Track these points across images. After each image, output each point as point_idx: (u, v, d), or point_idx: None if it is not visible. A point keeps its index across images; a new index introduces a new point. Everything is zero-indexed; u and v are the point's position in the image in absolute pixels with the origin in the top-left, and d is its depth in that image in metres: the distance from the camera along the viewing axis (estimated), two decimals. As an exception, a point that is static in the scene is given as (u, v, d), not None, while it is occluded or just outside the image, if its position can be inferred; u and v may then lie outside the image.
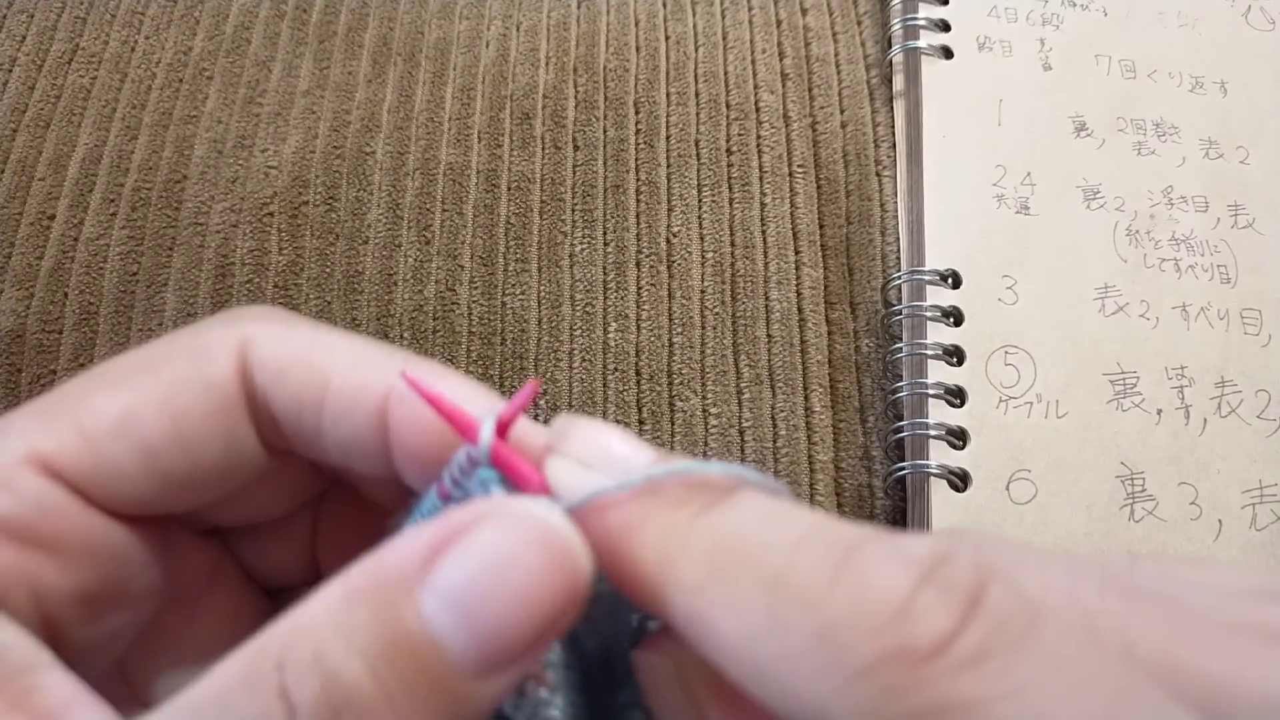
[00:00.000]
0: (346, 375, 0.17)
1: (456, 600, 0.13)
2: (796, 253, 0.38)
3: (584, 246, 0.38)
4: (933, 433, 0.34)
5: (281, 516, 0.20)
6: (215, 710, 0.13)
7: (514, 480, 0.15)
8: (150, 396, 0.17)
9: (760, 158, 0.39)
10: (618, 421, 0.35)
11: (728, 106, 0.40)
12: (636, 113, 0.40)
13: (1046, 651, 0.12)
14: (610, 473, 0.15)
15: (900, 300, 0.37)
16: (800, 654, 0.12)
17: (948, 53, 0.40)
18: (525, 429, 0.17)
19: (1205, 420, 0.35)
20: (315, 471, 0.20)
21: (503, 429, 0.16)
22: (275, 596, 0.21)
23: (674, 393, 0.35)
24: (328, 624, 0.13)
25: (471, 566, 0.13)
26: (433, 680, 0.13)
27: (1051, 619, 0.12)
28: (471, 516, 0.14)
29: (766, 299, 0.37)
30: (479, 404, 0.17)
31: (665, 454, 0.16)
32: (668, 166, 0.39)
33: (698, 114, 0.40)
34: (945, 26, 0.40)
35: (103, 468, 0.17)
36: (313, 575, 0.21)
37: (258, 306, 0.20)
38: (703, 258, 0.38)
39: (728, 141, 0.40)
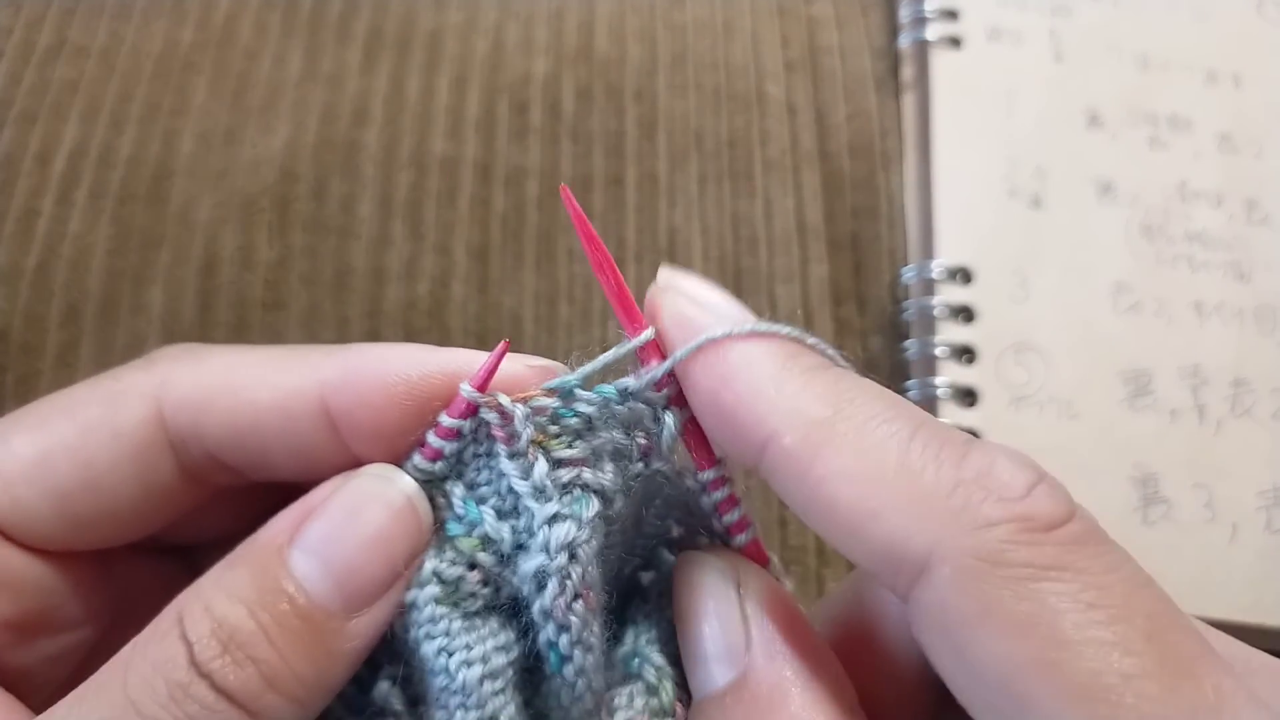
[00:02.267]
0: (274, 386, 0.18)
1: (317, 552, 0.16)
2: (802, 248, 0.37)
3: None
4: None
5: (235, 533, 0.21)
6: (133, 655, 0.15)
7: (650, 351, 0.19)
8: (63, 442, 0.18)
9: (764, 150, 0.38)
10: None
11: (730, 97, 0.39)
12: (636, 104, 0.39)
13: (1120, 556, 0.15)
14: (716, 317, 0.17)
15: (909, 297, 0.36)
16: (926, 501, 0.15)
17: (956, 43, 0.39)
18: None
19: (1220, 421, 0.34)
20: (257, 495, 0.21)
21: (486, 384, 0.18)
22: None
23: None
24: (214, 583, 0.16)
25: (327, 525, 0.16)
26: (303, 618, 0.16)
27: (1115, 543, 0.15)
28: (330, 486, 0.17)
29: (771, 295, 0.36)
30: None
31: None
32: (668, 159, 0.38)
33: (699, 105, 0.39)
34: (954, 16, 0.40)
35: (17, 509, 0.18)
36: None
37: (172, 346, 0.20)
38: (705, 253, 0.37)
39: (730, 133, 0.39)
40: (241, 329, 0.35)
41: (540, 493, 0.18)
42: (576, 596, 0.17)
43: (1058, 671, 0.13)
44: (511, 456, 0.18)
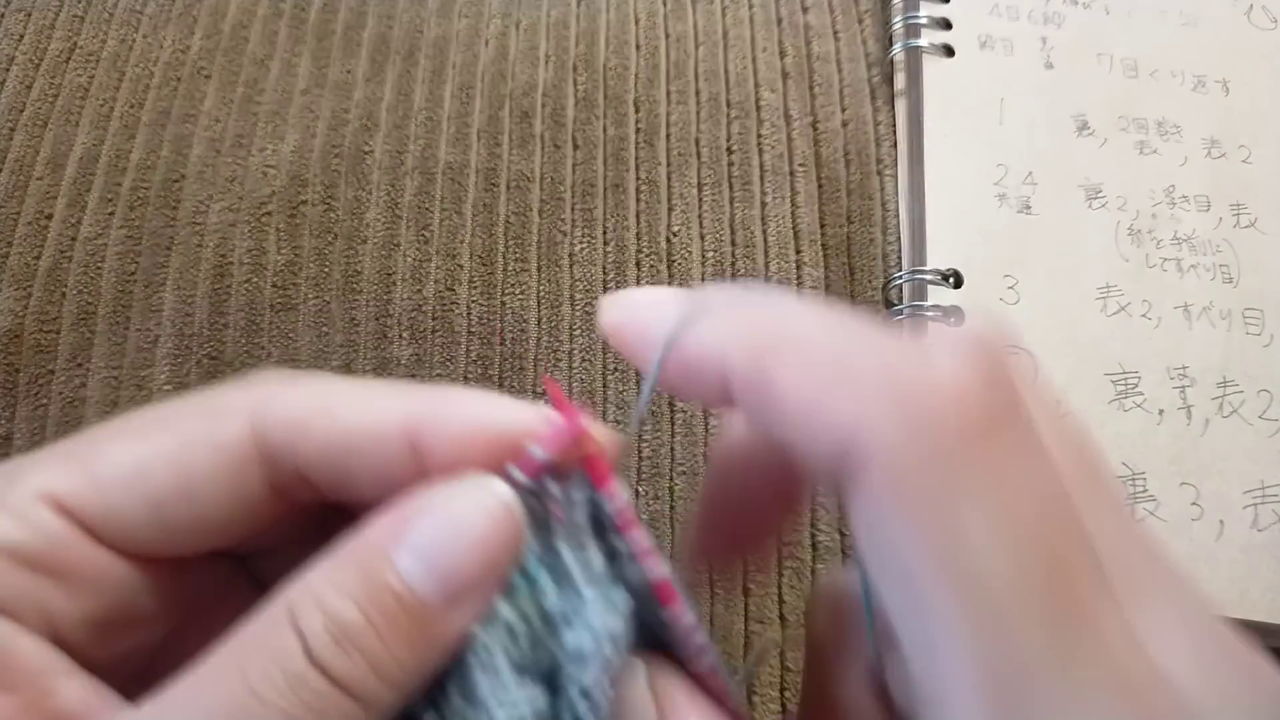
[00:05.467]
0: (367, 412, 0.19)
1: (421, 553, 0.17)
2: (797, 252, 0.38)
3: (584, 246, 0.37)
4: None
5: (293, 544, 0.22)
6: (244, 644, 0.16)
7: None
8: (161, 451, 0.19)
9: (761, 156, 0.39)
10: (616, 424, 0.35)
11: (728, 105, 0.40)
12: (636, 111, 0.40)
13: (1046, 465, 0.15)
14: (660, 315, 0.18)
15: (901, 300, 0.37)
16: (862, 395, 0.15)
17: (949, 51, 0.40)
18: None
19: (1207, 421, 0.35)
20: (319, 506, 0.22)
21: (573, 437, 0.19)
22: None
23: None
24: (324, 580, 0.17)
25: (431, 527, 0.17)
26: (409, 613, 0.17)
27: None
28: (433, 493, 0.18)
29: (767, 299, 0.37)
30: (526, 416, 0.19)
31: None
32: (668, 165, 0.39)
33: (698, 112, 0.40)
34: (946, 24, 0.40)
35: (111, 513, 0.18)
36: None
37: (269, 371, 0.22)
38: (703, 257, 0.37)
39: (728, 140, 0.39)
40: (252, 330, 0.35)
41: (592, 578, 0.19)
42: (612, 683, 0.18)
43: (954, 594, 0.14)
44: (570, 538, 0.19)
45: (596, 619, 0.18)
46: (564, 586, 0.19)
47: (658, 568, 0.19)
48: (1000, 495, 0.14)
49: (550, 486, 0.19)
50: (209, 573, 0.22)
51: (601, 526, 0.19)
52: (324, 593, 0.17)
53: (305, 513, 0.22)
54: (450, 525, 0.17)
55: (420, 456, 0.19)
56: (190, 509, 0.19)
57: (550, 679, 0.19)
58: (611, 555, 0.19)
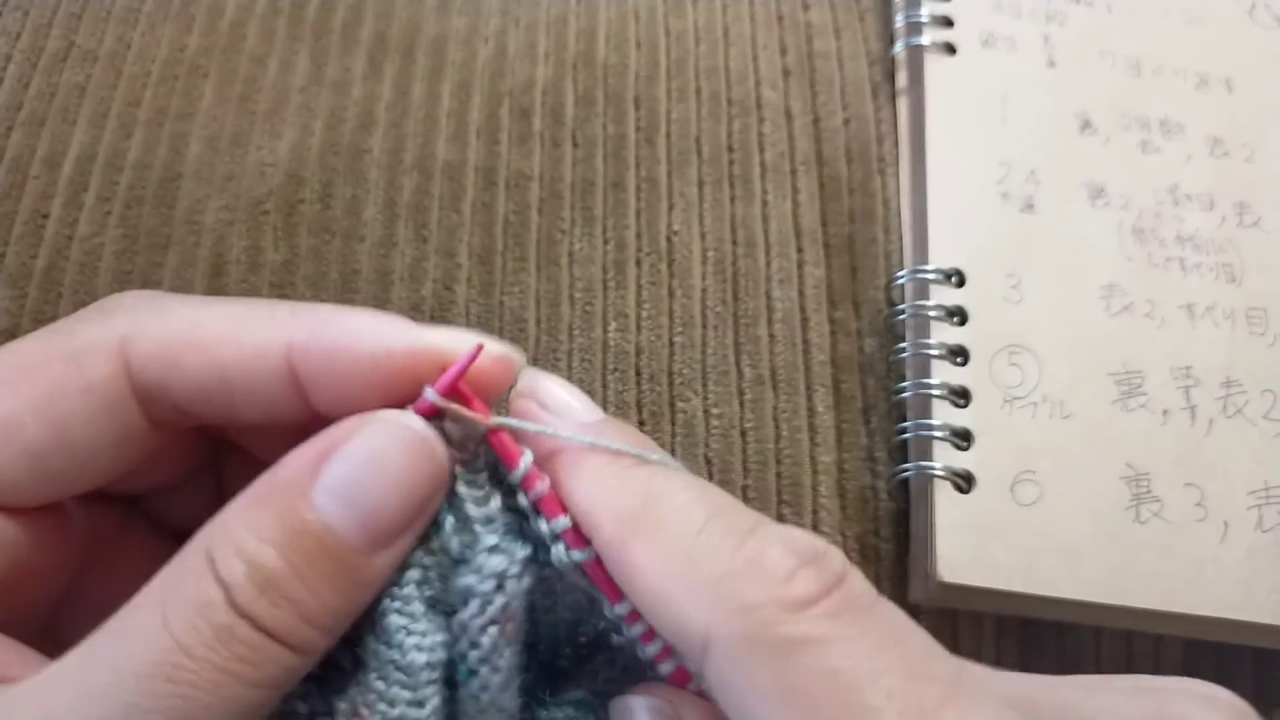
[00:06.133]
0: (240, 345, 0.19)
1: (341, 492, 0.17)
2: (799, 251, 0.38)
3: (583, 245, 0.37)
4: (937, 434, 0.33)
5: (183, 480, 0.22)
6: (165, 594, 0.16)
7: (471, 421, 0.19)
8: (30, 403, 0.18)
9: (762, 155, 0.39)
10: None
11: (729, 103, 0.40)
12: (636, 109, 0.39)
13: (880, 619, 0.17)
14: (565, 420, 0.20)
15: (904, 299, 0.36)
16: (703, 588, 0.17)
17: (951, 49, 0.40)
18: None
19: (1211, 421, 0.35)
20: (207, 437, 0.22)
21: (453, 388, 0.19)
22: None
23: (675, 393, 0.35)
24: (241, 524, 0.17)
25: (350, 465, 0.17)
26: (331, 557, 0.16)
27: (887, 605, 0.17)
28: (348, 428, 0.17)
29: (769, 298, 0.37)
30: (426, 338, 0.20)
31: (624, 426, 0.20)
32: (668, 163, 0.39)
33: (699, 110, 0.40)
34: (948, 22, 0.40)
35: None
36: None
37: (129, 294, 0.21)
38: (704, 256, 0.37)
39: (729, 138, 0.39)
40: (248, 330, 0.35)
41: (489, 522, 0.19)
42: (493, 622, 0.18)
43: None
44: (469, 481, 0.19)
45: (481, 556, 0.19)
46: (463, 527, 0.19)
47: (560, 516, 0.19)
48: (836, 648, 0.16)
49: (449, 429, 0.19)
50: (102, 518, 0.21)
51: (499, 473, 0.20)
52: (243, 538, 0.16)
53: (191, 444, 0.22)
54: (369, 462, 0.17)
55: (303, 386, 0.19)
56: (69, 456, 0.19)
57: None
58: (515, 511, 0.20)
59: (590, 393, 0.35)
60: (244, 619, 0.16)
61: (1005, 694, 0.17)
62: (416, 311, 0.36)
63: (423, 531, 0.19)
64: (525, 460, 0.19)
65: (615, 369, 0.35)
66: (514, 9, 0.41)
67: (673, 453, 0.34)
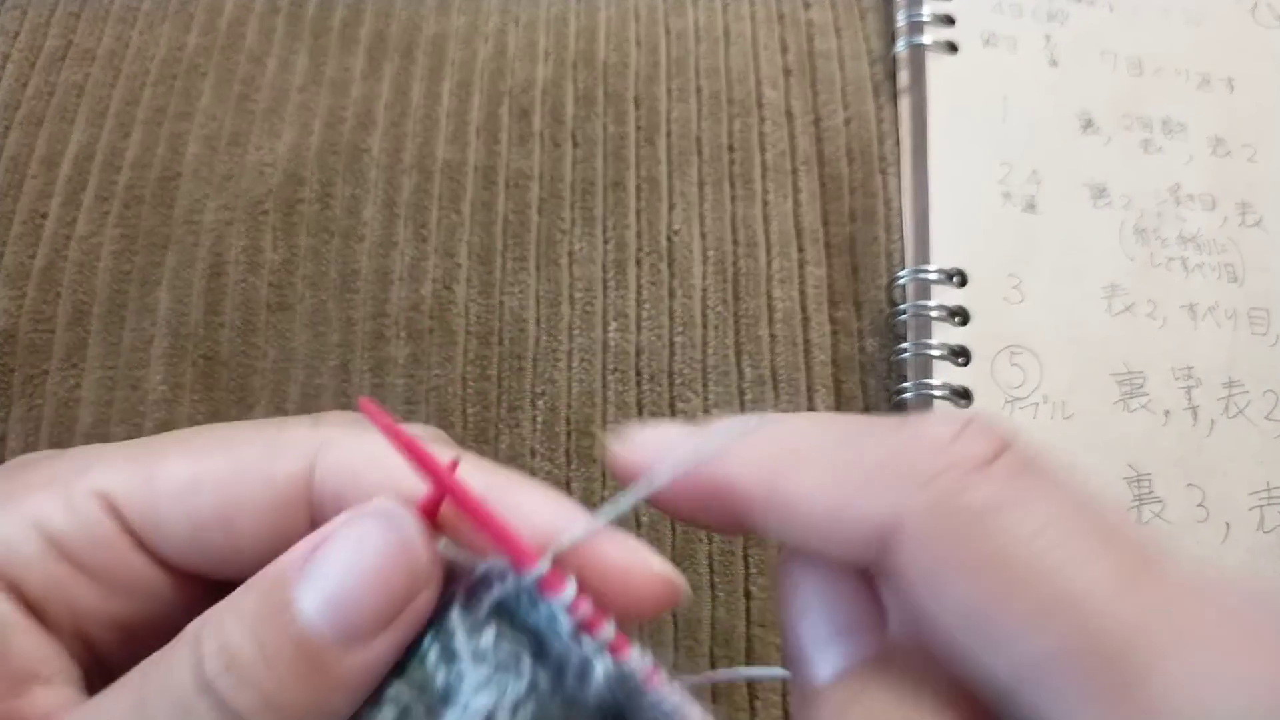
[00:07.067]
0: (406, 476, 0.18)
1: (320, 584, 0.16)
2: (800, 251, 0.37)
3: (583, 244, 0.37)
4: (937, 434, 0.33)
5: None
6: (150, 665, 0.17)
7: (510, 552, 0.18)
8: (215, 474, 0.19)
9: (763, 154, 0.39)
10: (617, 424, 0.34)
11: (729, 102, 0.40)
12: (637, 108, 0.39)
13: (1059, 481, 0.16)
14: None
15: (905, 299, 0.36)
16: (873, 478, 0.16)
17: (953, 48, 0.40)
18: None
19: (1213, 421, 0.35)
20: None
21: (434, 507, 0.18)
22: None
23: (675, 393, 0.35)
24: (229, 604, 0.17)
25: (332, 556, 0.17)
26: (298, 645, 0.16)
27: (1057, 468, 0.16)
28: (340, 520, 0.17)
29: (769, 298, 0.37)
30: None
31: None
32: (669, 163, 0.39)
33: (699, 110, 0.39)
34: (950, 21, 0.40)
35: (158, 525, 0.19)
36: None
37: (342, 412, 0.21)
38: (704, 256, 0.37)
39: (730, 138, 0.39)
40: (248, 330, 0.35)
41: (479, 656, 0.18)
42: None
43: (1019, 599, 0.15)
44: (465, 609, 0.18)
45: (470, 697, 0.17)
46: (449, 658, 0.18)
47: (636, 658, 0.17)
48: (1027, 508, 0.15)
49: (466, 558, 0.18)
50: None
51: (505, 608, 0.18)
52: (224, 618, 0.17)
53: None
54: (348, 553, 0.17)
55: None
56: (229, 537, 0.19)
57: None
58: (518, 634, 0.18)
59: (590, 393, 0.35)
60: (206, 695, 0.16)
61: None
62: (416, 311, 0.36)
63: (401, 653, 0.18)
64: (571, 587, 0.17)
65: (615, 369, 0.35)
66: (514, 8, 0.41)
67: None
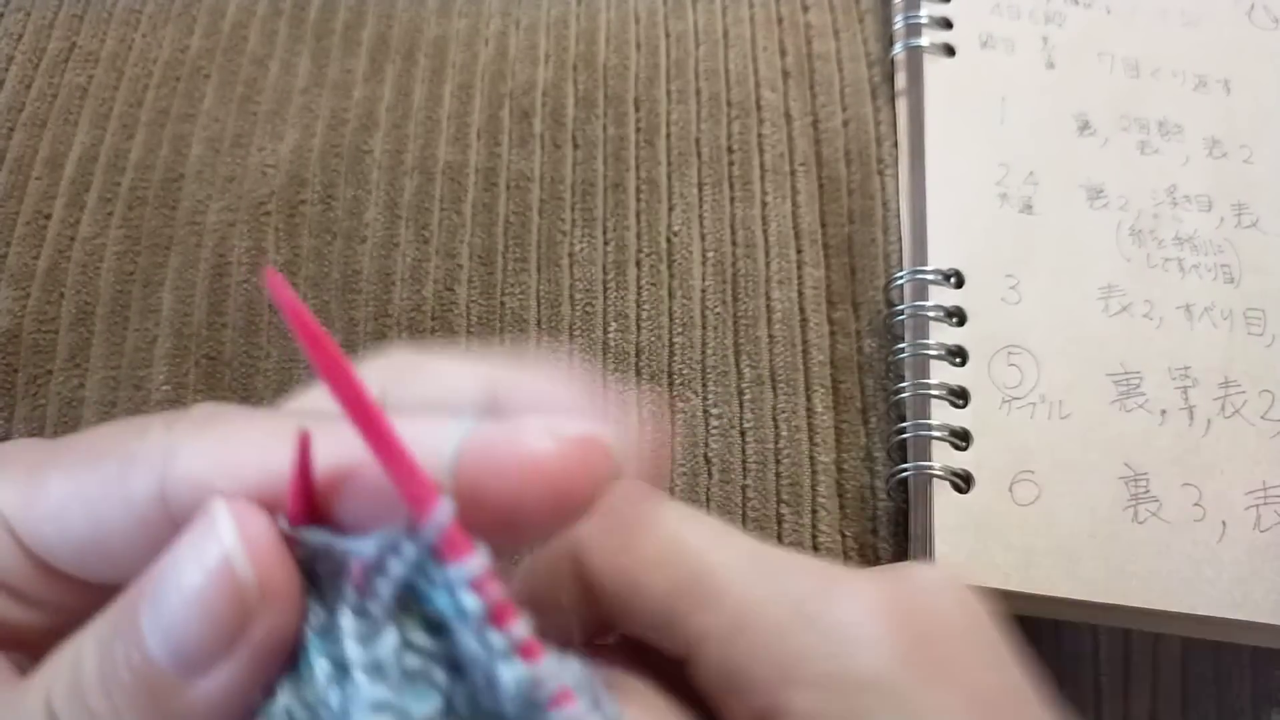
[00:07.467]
0: (261, 471, 0.17)
1: (158, 610, 0.16)
2: (798, 252, 0.38)
3: (584, 245, 0.37)
4: (935, 434, 0.34)
5: None
6: (16, 687, 0.17)
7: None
8: (80, 496, 0.18)
9: (762, 156, 0.39)
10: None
11: (729, 104, 0.40)
12: (637, 110, 0.40)
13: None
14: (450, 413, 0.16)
15: (903, 300, 0.36)
16: (763, 653, 0.17)
17: (950, 50, 0.40)
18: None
19: (1209, 421, 0.35)
20: None
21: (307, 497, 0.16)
22: None
23: (674, 393, 0.35)
24: (89, 632, 0.16)
25: (165, 579, 0.16)
26: (134, 673, 0.15)
27: None
28: (184, 536, 0.16)
29: (768, 299, 0.37)
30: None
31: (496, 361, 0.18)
32: (668, 164, 0.39)
33: (699, 112, 0.40)
34: (947, 24, 0.40)
35: (44, 544, 0.18)
36: None
37: (205, 406, 0.19)
38: (703, 257, 0.37)
39: (729, 140, 0.39)
40: (251, 330, 0.35)
41: (377, 669, 0.14)
42: None
43: None
44: (358, 612, 0.15)
45: (360, 711, 0.14)
46: (341, 674, 0.15)
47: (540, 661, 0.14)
48: (932, 689, 0.16)
49: (344, 543, 0.15)
50: None
51: (411, 598, 0.15)
52: (83, 639, 0.16)
53: None
54: (175, 581, 0.16)
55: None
56: (102, 556, 0.18)
57: None
58: (435, 636, 0.15)
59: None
60: (51, 718, 0.15)
61: None
62: (418, 312, 0.36)
63: (275, 669, 0.15)
64: (478, 558, 0.14)
65: (615, 369, 0.35)
66: (515, 11, 0.41)
67: (672, 453, 0.34)
